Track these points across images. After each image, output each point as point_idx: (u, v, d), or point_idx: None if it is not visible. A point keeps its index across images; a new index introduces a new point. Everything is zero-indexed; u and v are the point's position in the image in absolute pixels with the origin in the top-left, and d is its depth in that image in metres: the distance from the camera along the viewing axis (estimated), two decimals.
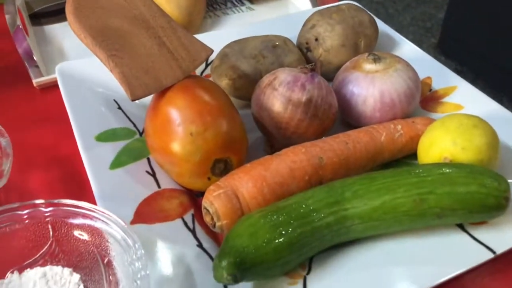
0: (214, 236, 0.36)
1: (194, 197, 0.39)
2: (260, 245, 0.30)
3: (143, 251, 0.30)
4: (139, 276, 0.29)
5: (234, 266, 0.29)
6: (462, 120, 0.37)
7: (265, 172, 0.35)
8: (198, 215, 0.37)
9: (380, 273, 0.33)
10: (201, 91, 0.37)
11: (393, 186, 0.34)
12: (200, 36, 0.53)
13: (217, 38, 0.52)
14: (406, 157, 0.41)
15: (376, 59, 0.43)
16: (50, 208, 0.33)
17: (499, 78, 1.56)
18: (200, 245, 0.35)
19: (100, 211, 0.33)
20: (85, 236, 0.33)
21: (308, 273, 0.33)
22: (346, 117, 0.44)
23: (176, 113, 0.36)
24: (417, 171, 0.34)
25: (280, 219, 0.32)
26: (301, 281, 0.32)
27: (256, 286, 0.32)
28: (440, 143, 0.37)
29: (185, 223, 0.36)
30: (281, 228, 0.31)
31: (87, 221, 0.33)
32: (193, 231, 0.36)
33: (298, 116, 0.39)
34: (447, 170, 0.34)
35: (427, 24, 2.03)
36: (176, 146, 0.36)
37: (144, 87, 0.36)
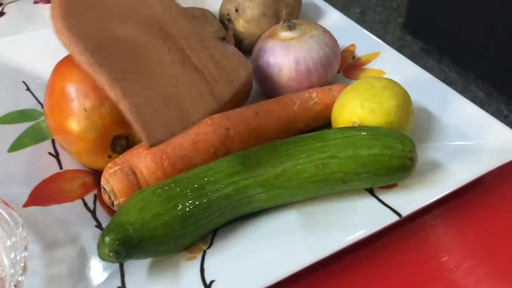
0: None
1: (99, 177, 0.37)
2: (148, 219, 0.29)
3: (24, 233, 0.28)
4: (18, 258, 0.28)
5: (118, 242, 0.28)
6: (373, 83, 0.36)
7: (165, 146, 0.33)
8: (100, 195, 0.35)
9: (283, 242, 0.31)
10: None
11: (295, 153, 0.32)
12: None
13: None
14: (323, 126, 0.40)
15: (291, 26, 0.41)
16: None
17: (465, 55, 1.57)
18: (99, 226, 0.33)
19: None
20: None
21: (209, 246, 0.31)
22: (264, 88, 0.43)
23: (70, 88, 0.34)
24: (321, 136, 0.33)
25: (174, 192, 0.30)
26: (200, 255, 0.31)
27: (153, 262, 0.30)
28: (349, 107, 0.35)
29: (85, 204, 0.34)
30: (173, 202, 0.30)
31: None
32: (93, 212, 0.34)
33: None
34: (351, 134, 0.32)
35: (393, 4, 2.03)
36: (71, 123, 0.34)
37: (164, 126, 0.26)
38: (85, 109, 0.34)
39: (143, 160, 0.33)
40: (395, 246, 0.33)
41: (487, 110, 1.48)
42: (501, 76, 1.47)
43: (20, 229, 0.29)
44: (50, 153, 0.38)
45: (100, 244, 0.28)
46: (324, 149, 0.32)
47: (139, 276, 0.30)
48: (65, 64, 0.36)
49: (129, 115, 0.26)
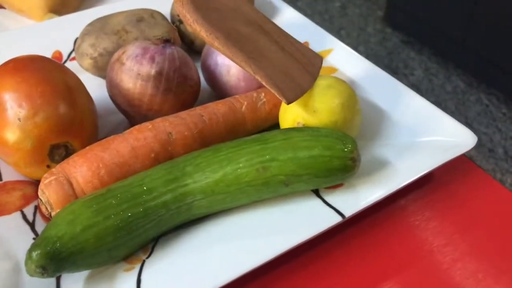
0: None
1: None
2: (78, 232, 0.28)
3: None
4: None
5: (46, 257, 0.27)
6: (317, 82, 0.35)
7: (102, 153, 0.33)
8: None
9: (225, 249, 0.30)
10: (35, 72, 0.34)
11: (235, 156, 0.31)
12: (70, 17, 0.50)
13: (88, 17, 0.48)
14: (273, 127, 0.39)
15: None
16: None
17: (445, 47, 1.57)
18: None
19: None
20: None
21: (148, 256, 0.30)
22: (214, 90, 0.42)
23: (5, 97, 0.33)
24: (262, 139, 0.32)
25: (107, 202, 0.29)
26: (138, 266, 0.30)
27: (90, 274, 0.30)
28: (293, 108, 0.35)
29: (24, 216, 0.33)
30: (105, 213, 0.29)
31: None
32: (31, 224, 0.33)
33: (149, 91, 0.36)
34: (291, 135, 0.32)
35: None
36: (6, 134, 0.33)
37: (293, 89, 0.32)
38: (19, 119, 0.33)
39: (79, 169, 0.32)
40: (339, 248, 0.32)
41: (468, 100, 1.49)
42: (481, 66, 1.47)
43: None
44: None
45: (27, 259, 0.27)
46: (264, 152, 0.31)
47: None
48: (0, 72, 0.35)
49: (265, 82, 0.32)
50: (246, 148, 0.32)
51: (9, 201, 0.34)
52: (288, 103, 0.32)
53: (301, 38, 0.46)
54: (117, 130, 0.40)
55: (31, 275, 0.27)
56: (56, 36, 0.48)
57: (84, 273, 0.30)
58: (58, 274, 0.27)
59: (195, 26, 0.32)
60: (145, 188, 0.30)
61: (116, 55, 0.38)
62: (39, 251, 0.27)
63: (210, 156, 0.32)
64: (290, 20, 0.48)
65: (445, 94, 1.48)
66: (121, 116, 0.41)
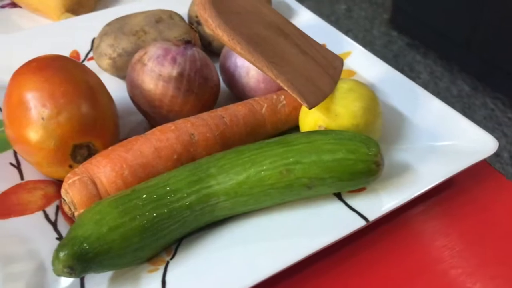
0: None
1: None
2: (105, 232, 0.28)
3: None
4: None
5: (73, 257, 0.27)
6: (338, 85, 0.35)
7: (126, 154, 0.33)
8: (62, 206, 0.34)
9: (248, 251, 0.30)
10: (56, 71, 0.34)
11: (259, 158, 0.31)
12: (87, 17, 0.50)
13: (105, 17, 0.48)
14: (292, 130, 0.39)
15: None
16: None
17: (450, 50, 1.57)
18: (60, 238, 0.32)
19: None
20: None
21: (172, 257, 0.30)
22: (233, 91, 0.42)
23: (28, 96, 0.33)
24: (285, 141, 0.32)
25: (132, 203, 0.29)
26: (162, 267, 0.30)
27: (114, 275, 0.30)
28: (314, 111, 0.35)
29: (46, 216, 0.33)
30: (131, 213, 0.29)
31: None
32: (54, 224, 0.33)
33: (171, 92, 0.37)
34: (315, 138, 0.32)
35: (378, 0, 2.03)
36: (29, 133, 0.33)
37: (314, 94, 0.32)
38: (43, 118, 0.33)
39: (102, 170, 0.32)
40: (361, 252, 0.32)
41: (473, 104, 1.49)
42: (487, 70, 1.47)
43: None
44: (11, 164, 0.36)
45: (55, 259, 0.27)
46: (287, 154, 0.31)
47: None
48: (23, 72, 0.35)
49: (287, 87, 0.32)
50: (269, 151, 0.32)
51: (31, 200, 0.34)
52: (310, 107, 0.32)
53: (319, 41, 0.46)
54: (136, 130, 0.40)
55: (59, 275, 0.27)
56: (73, 36, 0.48)
57: (108, 274, 0.30)
58: (84, 274, 0.27)
59: (217, 32, 0.32)
60: (169, 189, 0.30)
61: (137, 56, 0.38)
62: (66, 251, 0.27)
63: (234, 158, 0.32)
64: (307, 23, 0.48)
65: (450, 98, 1.48)
66: (140, 117, 0.41)
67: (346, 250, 0.32)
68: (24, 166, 0.36)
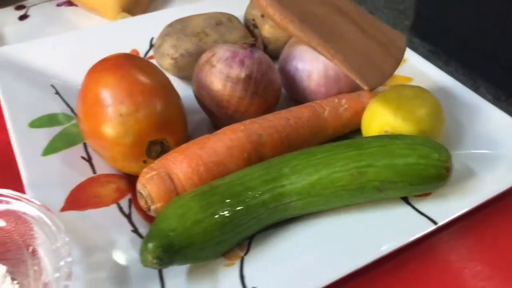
0: (151, 220, 0.34)
1: (133, 181, 0.37)
2: (189, 226, 0.29)
3: (67, 238, 0.29)
4: (61, 263, 0.28)
5: (161, 249, 0.28)
6: (403, 91, 0.36)
7: (200, 151, 0.34)
8: (135, 199, 0.35)
9: (319, 250, 0.31)
10: (132, 69, 0.36)
11: (331, 160, 0.32)
12: (145, 16, 0.51)
13: (162, 17, 0.50)
14: (352, 133, 0.40)
15: None
16: None
17: (472, 58, 1.57)
18: (135, 230, 0.33)
19: (24, 198, 0.31)
20: (8, 225, 0.31)
21: (246, 253, 0.32)
22: (292, 94, 0.43)
23: (105, 94, 0.34)
24: (356, 144, 0.33)
25: (212, 199, 0.30)
26: (238, 262, 0.31)
27: (191, 268, 0.31)
28: (381, 116, 0.36)
29: (121, 209, 0.35)
30: (212, 208, 0.30)
31: (10, 209, 0.31)
32: (128, 216, 0.34)
33: (238, 94, 0.38)
34: (386, 142, 0.33)
35: (400, 7, 2.03)
36: (107, 129, 0.34)
37: (375, 74, 0.31)
38: (121, 115, 0.34)
39: (179, 166, 0.33)
40: (427, 254, 0.33)
41: None
42: (510, 79, 1.47)
43: (63, 234, 0.29)
44: (83, 157, 0.38)
45: (143, 250, 0.28)
46: (360, 157, 0.32)
47: (178, 282, 0.30)
48: (99, 69, 0.36)
49: (344, 68, 0.31)
50: (340, 153, 0.33)
51: (105, 193, 0.35)
52: (370, 89, 0.31)
53: None
54: (199, 128, 0.41)
55: (146, 266, 0.28)
56: (132, 35, 0.49)
57: (184, 267, 0.31)
58: (169, 266, 0.29)
59: (268, 10, 0.31)
60: (245, 187, 0.31)
61: (205, 57, 0.39)
62: (154, 243, 0.28)
63: (305, 159, 0.33)
64: None
65: None
66: (201, 115, 0.42)
67: (410, 253, 0.33)
68: (95, 160, 0.38)
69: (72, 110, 0.42)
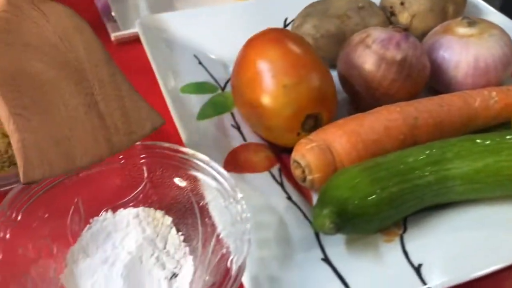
0: (301, 191, 0.35)
1: (279, 153, 0.38)
2: (361, 197, 0.30)
3: (241, 195, 0.30)
4: (239, 218, 0.29)
5: (336, 215, 0.29)
6: None
7: (359, 128, 0.34)
8: (284, 170, 0.36)
9: (476, 237, 0.31)
10: (291, 43, 0.37)
11: (496, 149, 0.32)
12: None
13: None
14: (497, 126, 0.40)
15: (471, 23, 0.41)
16: (146, 150, 0.33)
17: None
18: (289, 198, 0.34)
19: (194, 154, 0.33)
20: (179, 179, 0.33)
21: (404, 231, 0.32)
22: (435, 83, 0.42)
23: (269, 65, 0.36)
24: None
25: (380, 174, 0.31)
26: (397, 239, 0.31)
27: (349, 239, 0.31)
28: None
29: (273, 176, 0.36)
30: (382, 183, 0.30)
31: (182, 164, 0.33)
32: (281, 184, 0.35)
33: (392, 76, 0.38)
34: None
35: None
36: (268, 99, 0.35)
37: (45, 167, 0.28)
38: (284, 86, 0.35)
39: (338, 140, 0.34)
40: None
41: None
42: None
43: (236, 191, 0.30)
44: (232, 125, 0.39)
45: (318, 215, 0.29)
46: None
47: (339, 251, 0.31)
48: (261, 41, 0.37)
49: (15, 149, 0.27)
50: (504, 143, 0.32)
51: (257, 160, 0.37)
52: (24, 182, 0.27)
53: None
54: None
55: (320, 230, 0.29)
56: (266, 15, 0.50)
57: (343, 237, 0.32)
58: (339, 233, 0.29)
59: None
60: (409, 166, 0.32)
61: (357, 38, 0.39)
62: (330, 209, 0.29)
63: (469, 146, 0.33)
64: (501, 26, 0.48)
65: None
66: (340, 96, 0.42)
67: None
68: (243, 128, 0.39)
69: (215, 81, 0.44)
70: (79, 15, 0.32)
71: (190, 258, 0.31)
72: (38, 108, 0.28)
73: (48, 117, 0.28)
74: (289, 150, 0.37)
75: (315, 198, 0.35)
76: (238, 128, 0.39)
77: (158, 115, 0.32)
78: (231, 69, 0.45)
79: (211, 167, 0.32)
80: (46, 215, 0.31)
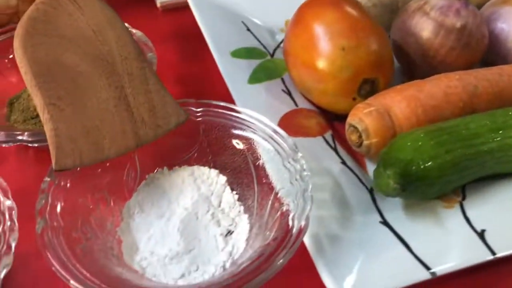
0: (356, 156, 0.35)
1: (331, 119, 0.38)
2: (425, 159, 0.29)
3: (300, 154, 0.30)
4: (298, 177, 0.29)
5: (400, 176, 0.28)
6: None
7: (419, 94, 0.33)
8: (337, 136, 0.36)
9: None
10: (348, 7, 0.36)
11: None
12: None
13: None
14: None
15: None
16: (201, 108, 0.33)
17: None
18: (343, 162, 0.34)
19: (251, 114, 0.32)
20: (235, 139, 0.33)
21: (463, 199, 0.31)
22: (492, 55, 0.41)
23: (326, 28, 0.35)
24: None
25: (443, 138, 0.30)
26: (457, 206, 0.31)
27: (407, 204, 0.31)
28: None
29: (326, 141, 0.35)
30: (445, 147, 0.30)
31: (238, 124, 0.32)
32: (335, 149, 0.35)
33: (450, 44, 0.37)
34: None
35: None
36: (325, 62, 0.35)
37: (75, 156, 0.28)
38: (343, 48, 0.34)
39: (397, 105, 0.33)
40: None
41: None
42: None
43: (297, 151, 0.30)
44: (283, 90, 0.39)
45: (382, 175, 0.28)
46: None
47: (397, 215, 0.30)
48: (318, 4, 0.37)
49: (48, 137, 0.28)
50: None
51: (309, 126, 0.36)
52: (56, 169, 0.28)
53: None
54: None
55: (383, 191, 0.29)
56: None
57: (399, 202, 0.31)
58: (400, 196, 0.29)
59: (15, 54, 0.29)
60: (471, 132, 0.31)
61: (415, 5, 0.38)
62: (395, 170, 0.28)
63: None
64: None
65: None
66: None
67: None
68: (294, 94, 0.39)
69: (264, 47, 0.43)
70: (111, 8, 0.32)
71: (245, 216, 0.31)
72: (71, 98, 0.29)
73: (80, 108, 0.29)
74: (340, 118, 0.36)
75: (369, 164, 0.35)
76: (289, 93, 0.39)
77: (182, 110, 0.32)
78: (277, 36, 0.45)
79: (269, 127, 0.32)
80: (104, 168, 0.31)
